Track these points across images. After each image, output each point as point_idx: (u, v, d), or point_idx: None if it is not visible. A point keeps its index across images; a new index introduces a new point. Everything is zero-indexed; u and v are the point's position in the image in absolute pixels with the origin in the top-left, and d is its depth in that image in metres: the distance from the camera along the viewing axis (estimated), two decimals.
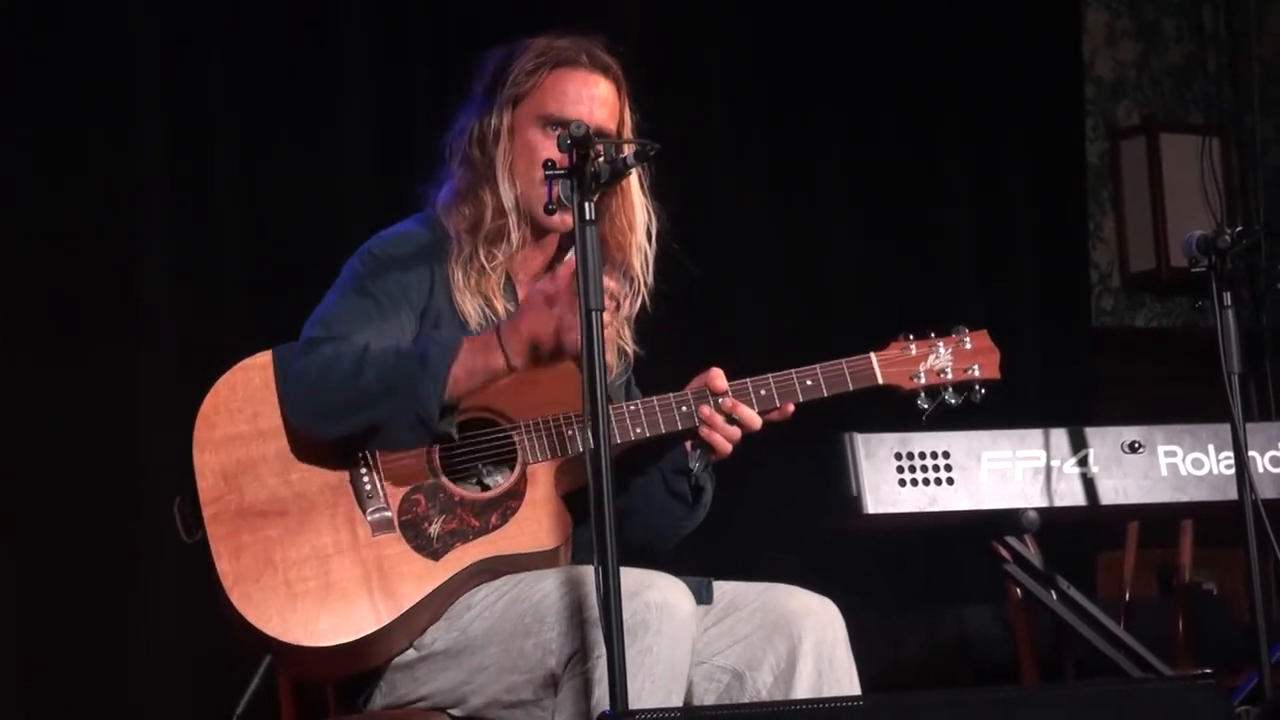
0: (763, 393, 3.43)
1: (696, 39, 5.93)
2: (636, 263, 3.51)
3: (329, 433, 3.31)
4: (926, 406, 3.55)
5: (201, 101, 5.07)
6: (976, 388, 3.53)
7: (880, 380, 3.49)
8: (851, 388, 3.46)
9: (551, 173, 3.17)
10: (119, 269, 4.91)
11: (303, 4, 5.23)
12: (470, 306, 3.44)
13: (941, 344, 3.53)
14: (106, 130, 4.93)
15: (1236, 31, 6.91)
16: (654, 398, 3.42)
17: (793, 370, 3.43)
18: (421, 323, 3.42)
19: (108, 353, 4.85)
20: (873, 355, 3.49)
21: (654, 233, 3.54)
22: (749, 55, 6.03)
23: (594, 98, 3.47)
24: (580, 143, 3.10)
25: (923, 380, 3.50)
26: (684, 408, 3.41)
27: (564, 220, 3.35)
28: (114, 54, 4.94)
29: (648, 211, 3.53)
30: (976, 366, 3.53)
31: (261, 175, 5.12)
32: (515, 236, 3.45)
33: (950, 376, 3.51)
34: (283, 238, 5.09)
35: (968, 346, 3.54)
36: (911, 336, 3.53)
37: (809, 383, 3.43)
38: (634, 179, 3.48)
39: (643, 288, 3.53)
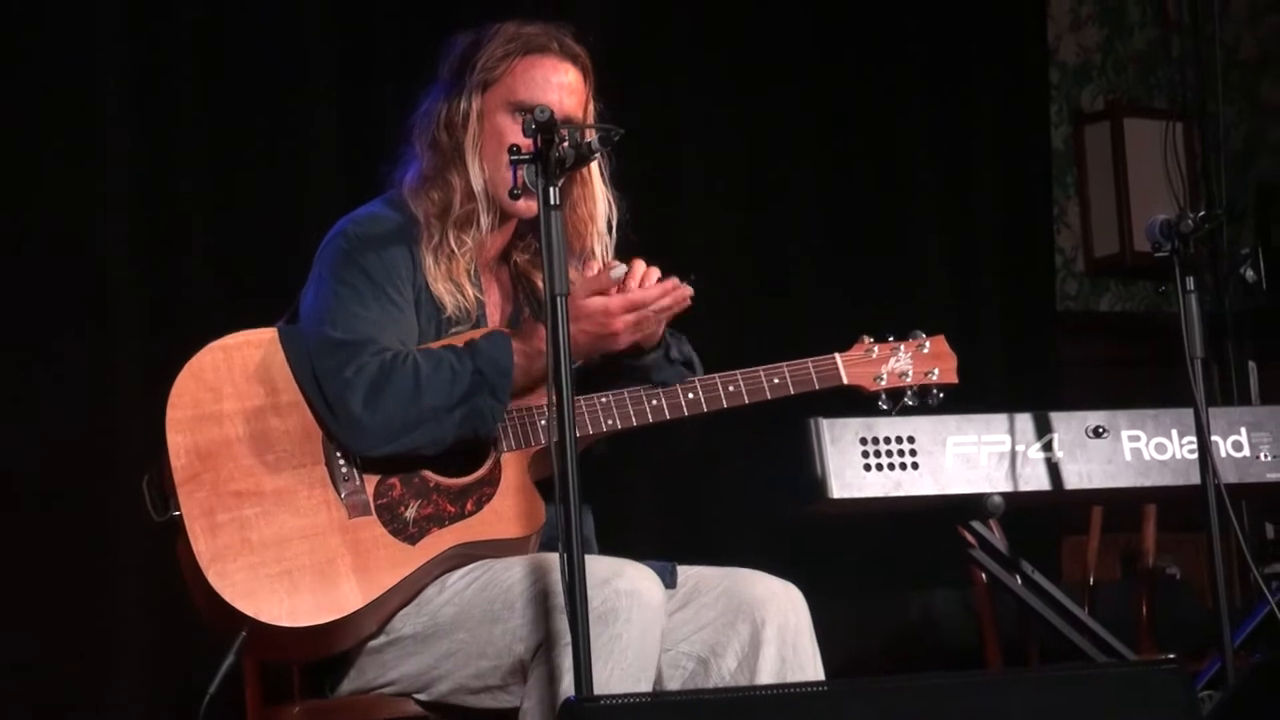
0: (731, 389, 3.47)
1: (662, 34, 5.91)
2: (597, 251, 3.52)
3: (382, 452, 3.31)
4: (886, 407, 3.64)
5: (167, 87, 5.04)
6: (935, 391, 3.62)
7: (845, 380, 3.57)
8: (818, 387, 3.54)
9: (516, 158, 3.18)
10: (84, 251, 4.88)
11: (267, 9, 5.20)
12: (443, 291, 3.43)
13: (902, 347, 3.61)
14: (70, 116, 4.90)
15: (1200, 17, 6.92)
16: (625, 390, 3.43)
17: (760, 368, 3.48)
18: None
19: (72, 336, 4.83)
20: (838, 356, 3.57)
21: (614, 223, 3.55)
22: (710, 34, 6.02)
23: (563, 85, 3.48)
24: (544, 128, 3.11)
25: (885, 382, 3.59)
26: (654, 400, 3.43)
27: (529, 206, 3.35)
28: (77, 44, 4.91)
29: (608, 201, 3.54)
30: (936, 371, 3.62)
31: (225, 158, 5.10)
32: (485, 221, 3.45)
33: (910, 380, 3.61)
34: (247, 220, 5.07)
35: (926, 351, 3.62)
36: (872, 339, 3.60)
37: (776, 381, 3.48)
38: (595, 169, 3.50)
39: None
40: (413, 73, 3.65)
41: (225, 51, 5.09)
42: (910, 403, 3.61)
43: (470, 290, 3.45)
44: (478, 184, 3.45)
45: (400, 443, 3.30)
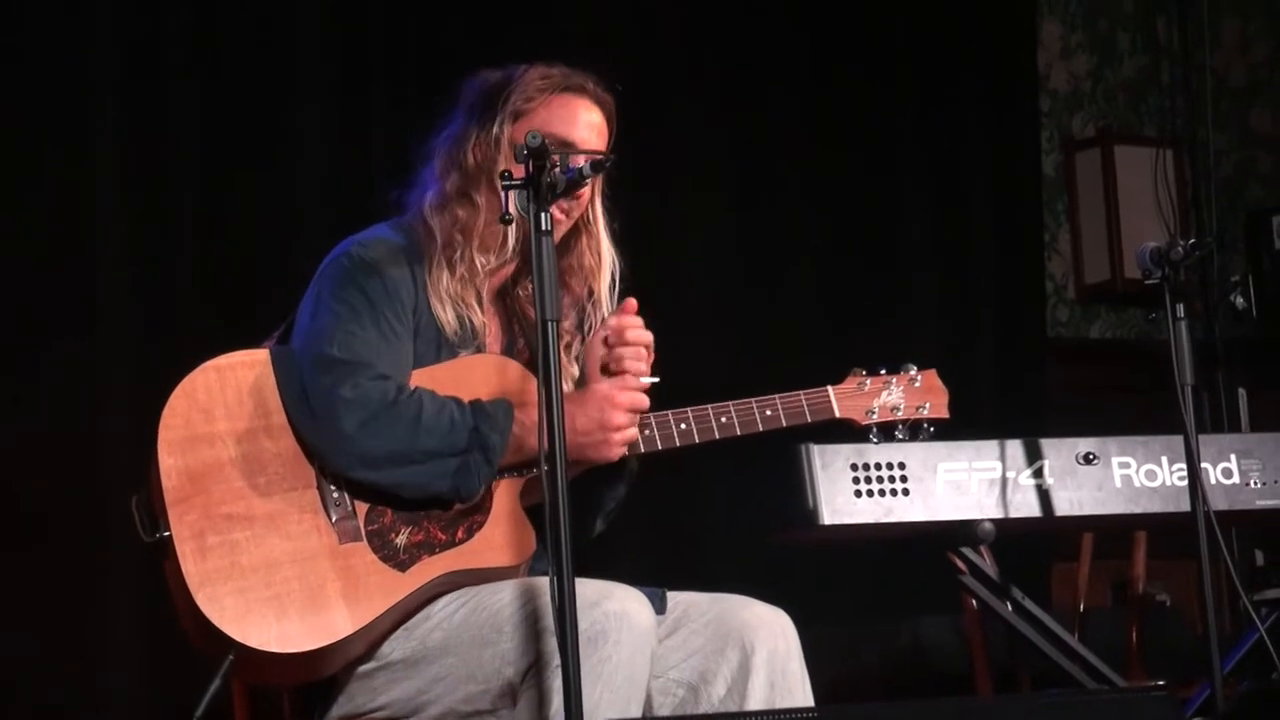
0: (723, 420, 3.47)
1: (658, 53, 5.93)
2: (603, 304, 3.54)
3: (361, 475, 3.31)
4: (876, 440, 3.65)
5: (159, 107, 5.05)
6: (926, 425, 3.63)
7: (837, 413, 3.58)
8: (809, 420, 3.54)
9: (508, 183, 3.18)
10: (76, 270, 4.89)
11: (261, 21, 5.20)
12: (448, 315, 3.43)
13: (894, 381, 3.61)
14: (64, 135, 4.90)
15: (1190, 44, 6.95)
16: None
17: (753, 400, 3.49)
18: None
19: (64, 355, 4.83)
20: (830, 389, 3.57)
21: (618, 277, 3.56)
22: (710, 67, 6.04)
23: (593, 125, 3.51)
24: (536, 153, 3.12)
25: (876, 416, 3.60)
26: (646, 431, 3.44)
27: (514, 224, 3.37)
28: (72, 63, 4.92)
29: (614, 256, 3.56)
30: (927, 405, 3.63)
31: (219, 182, 5.10)
32: (511, 244, 3.45)
33: (902, 414, 3.62)
34: (239, 241, 5.07)
35: (918, 385, 3.63)
36: (865, 372, 3.61)
37: (768, 413, 3.49)
38: (600, 222, 3.52)
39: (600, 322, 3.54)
40: (405, 92, 3.66)
41: (220, 60, 5.11)
42: (900, 436, 3.62)
43: (479, 313, 3.46)
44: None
45: (384, 473, 3.29)
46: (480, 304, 3.48)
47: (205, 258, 5.05)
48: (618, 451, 3.38)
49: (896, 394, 3.61)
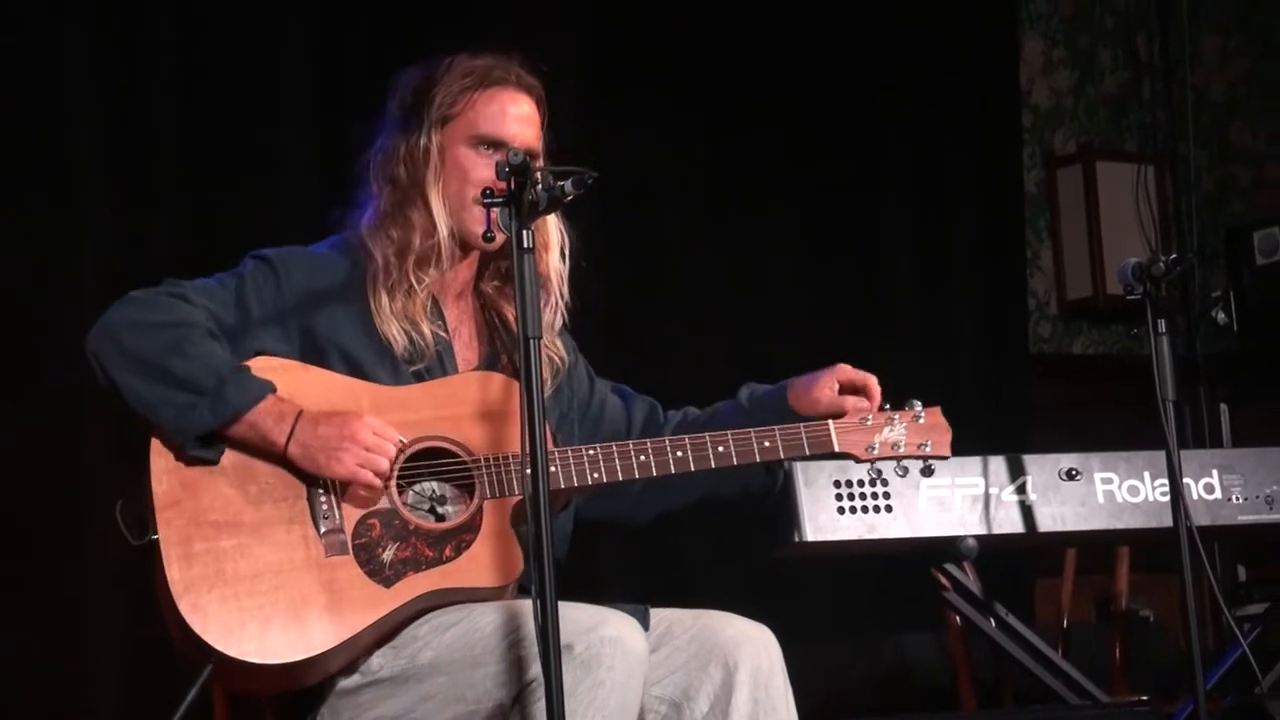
0: (720, 450, 3.44)
1: (643, 68, 5.94)
2: (553, 281, 3.51)
3: (106, 367, 3.29)
4: (873, 476, 3.62)
5: (144, 125, 5.05)
6: (926, 464, 3.55)
7: (837, 448, 3.51)
8: (808, 453, 3.49)
9: (490, 200, 3.17)
10: (60, 277, 4.88)
11: (246, 27, 5.21)
12: (395, 331, 3.42)
13: (897, 417, 3.54)
14: (48, 152, 4.90)
15: (1171, 60, 6.97)
16: (613, 444, 3.42)
17: (751, 430, 3.44)
18: (304, 349, 3.41)
19: (50, 361, 4.82)
20: (831, 424, 3.50)
21: (568, 251, 3.54)
22: (695, 83, 6.05)
23: (522, 117, 3.48)
24: (518, 170, 3.11)
25: (876, 452, 3.52)
26: (643, 457, 3.41)
27: (499, 240, 3.35)
28: (52, 79, 4.91)
29: (560, 231, 3.53)
30: (929, 443, 3.54)
31: (201, 197, 5.10)
32: (447, 257, 3.45)
33: (903, 450, 3.53)
34: (221, 254, 5.06)
35: (921, 422, 3.54)
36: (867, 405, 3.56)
37: (767, 444, 3.45)
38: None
39: (560, 303, 3.53)
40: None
41: (201, 84, 5.11)
42: (898, 474, 3.54)
43: (427, 328, 3.44)
44: (441, 220, 3.44)
45: (123, 369, 3.28)
46: (431, 315, 3.47)
47: (187, 270, 5.03)
48: (343, 469, 3.27)
49: (899, 430, 3.53)
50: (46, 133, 4.91)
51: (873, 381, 3.52)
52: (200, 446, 3.29)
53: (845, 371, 3.54)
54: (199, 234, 5.08)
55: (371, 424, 3.30)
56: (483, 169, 3.38)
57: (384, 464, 3.29)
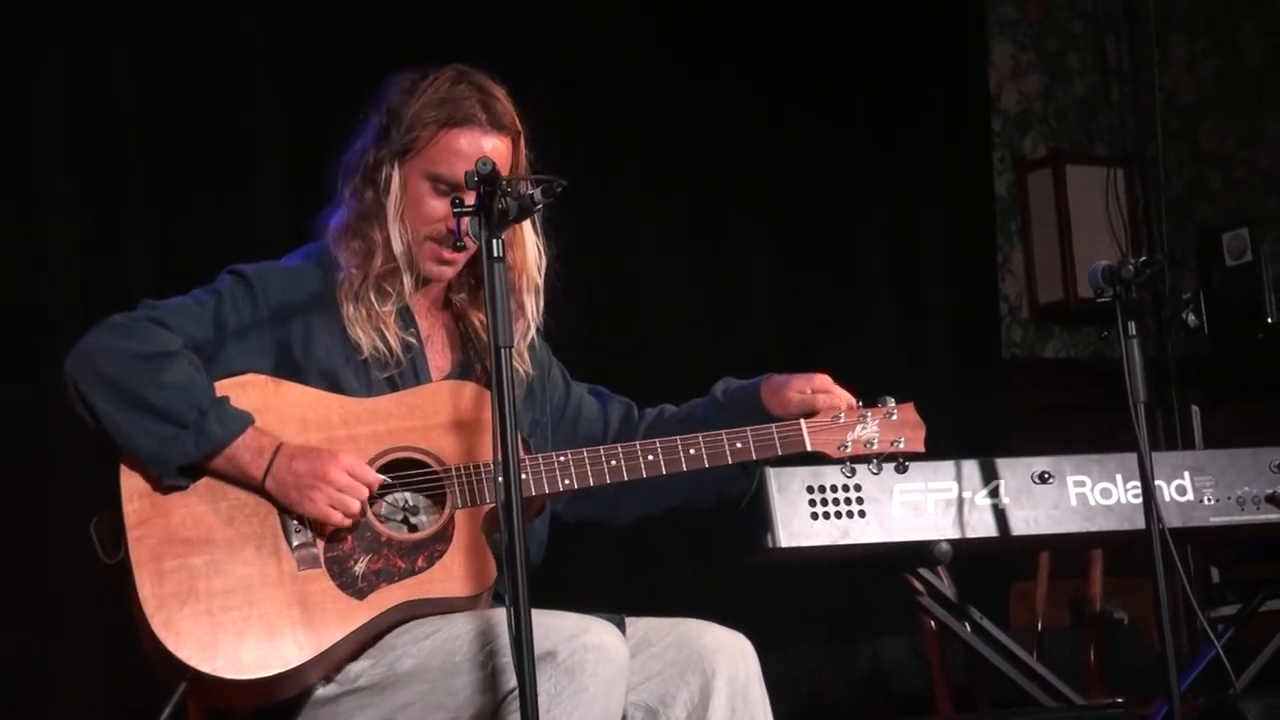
0: (691, 452, 3.43)
1: (616, 73, 5.95)
2: (529, 299, 3.51)
3: (84, 394, 3.28)
4: (847, 474, 3.60)
5: (114, 137, 5.04)
6: (900, 460, 3.54)
7: (809, 447, 3.50)
8: (780, 453, 3.48)
9: (460, 210, 3.18)
10: (29, 295, 4.88)
11: (217, 48, 5.21)
12: (364, 338, 3.42)
13: (869, 414, 3.53)
14: (14, 164, 4.89)
15: (1139, 64, 6.99)
16: (584, 449, 3.41)
17: (723, 431, 3.44)
18: (280, 364, 3.40)
19: (19, 379, 4.81)
20: (803, 422, 3.49)
21: (543, 269, 3.53)
22: (666, 82, 6.06)
23: (484, 154, 3.41)
24: (487, 179, 3.11)
25: (849, 450, 3.51)
26: (613, 461, 3.40)
27: (441, 274, 3.42)
28: (19, 88, 4.91)
29: (538, 249, 3.53)
30: (903, 440, 3.53)
31: (171, 212, 5.10)
32: (407, 283, 3.45)
33: (876, 447, 3.52)
34: (191, 270, 5.05)
35: (894, 419, 3.53)
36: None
37: (738, 445, 3.44)
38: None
39: (533, 321, 3.52)
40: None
41: (169, 113, 5.11)
42: (873, 471, 3.53)
43: (393, 337, 3.43)
44: (399, 247, 3.44)
45: (103, 399, 3.26)
46: (408, 322, 3.46)
47: (158, 282, 5.02)
48: (314, 508, 3.27)
49: (872, 428, 3.51)
50: (13, 145, 4.90)
51: (847, 402, 3.52)
52: (178, 476, 3.29)
53: (824, 381, 3.53)
54: (168, 247, 5.07)
55: (346, 463, 3.30)
56: (437, 210, 3.39)
57: (355, 505, 3.29)
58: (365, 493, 3.30)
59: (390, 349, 3.42)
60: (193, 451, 3.27)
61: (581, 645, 3.18)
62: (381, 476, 3.33)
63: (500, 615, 3.24)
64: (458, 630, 3.27)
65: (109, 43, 5.07)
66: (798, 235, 6.25)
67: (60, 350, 4.77)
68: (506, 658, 3.18)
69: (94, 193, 5.01)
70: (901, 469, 3.54)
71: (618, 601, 3.53)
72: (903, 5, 6.54)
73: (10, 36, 4.91)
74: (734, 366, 5.85)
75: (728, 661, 3.36)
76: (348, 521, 3.29)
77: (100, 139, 5.04)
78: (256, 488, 3.30)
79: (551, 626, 3.15)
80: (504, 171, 3.39)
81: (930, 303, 6.53)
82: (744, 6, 6.22)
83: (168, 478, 3.29)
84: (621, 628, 3.37)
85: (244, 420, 3.30)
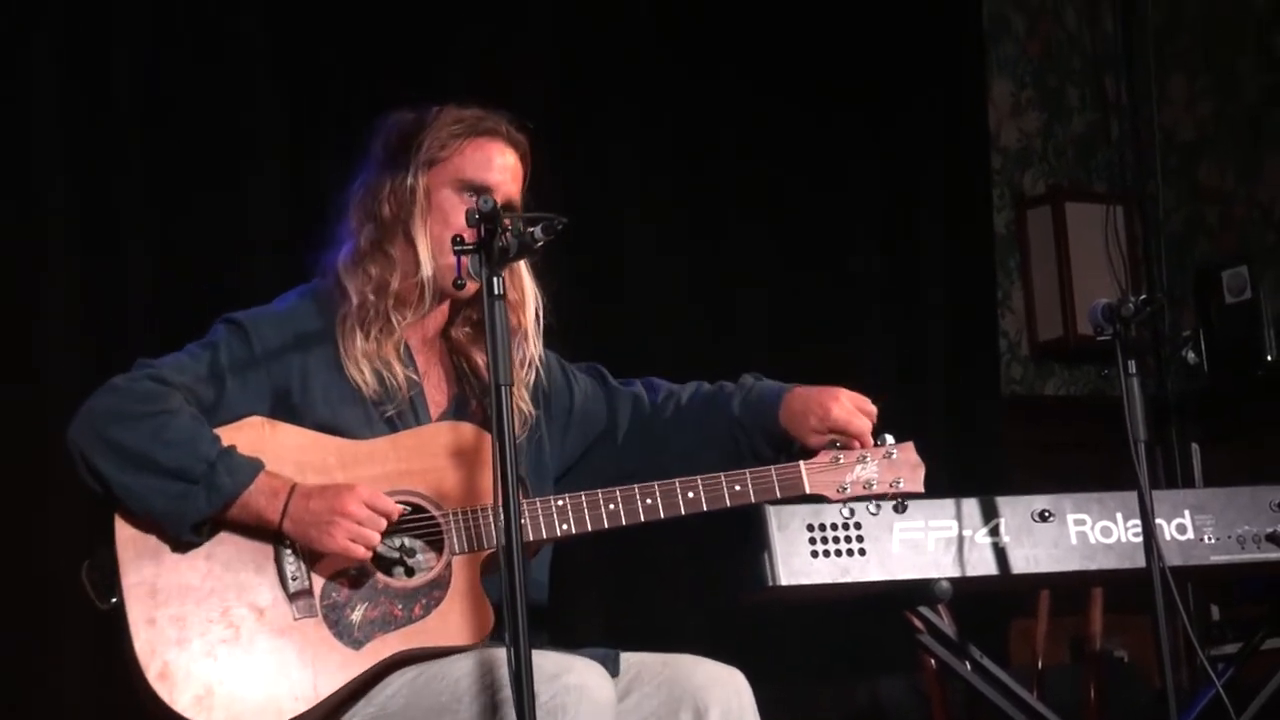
0: (690, 495, 3.43)
1: (616, 73, 5.95)
2: (531, 337, 3.51)
3: (91, 462, 3.27)
4: (847, 514, 3.63)
5: (113, 137, 5.04)
6: (900, 501, 3.55)
7: (808, 489, 3.51)
8: (779, 495, 3.49)
9: (460, 248, 3.19)
10: (28, 295, 4.87)
11: (216, 48, 5.21)
12: (366, 374, 3.41)
13: (869, 455, 3.53)
14: (14, 164, 4.89)
15: (1138, 100, 6.99)
16: (582, 494, 3.41)
17: (721, 474, 3.44)
18: (278, 408, 3.39)
19: (19, 379, 4.80)
20: (802, 464, 3.50)
21: (540, 311, 3.54)
22: (666, 82, 6.06)
23: (507, 168, 3.50)
24: (488, 217, 3.12)
25: (849, 492, 3.52)
26: (611, 506, 3.40)
27: (470, 288, 3.39)
28: (19, 88, 4.91)
29: (536, 295, 3.54)
30: (902, 480, 3.54)
31: (170, 212, 5.09)
32: (428, 299, 3.45)
33: (875, 488, 3.53)
34: (190, 292, 5.05)
35: (894, 458, 3.55)
36: (840, 444, 3.54)
37: (737, 488, 3.45)
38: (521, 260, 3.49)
39: (534, 358, 3.53)
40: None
41: (169, 128, 5.11)
42: (871, 511, 3.55)
43: (400, 369, 3.43)
44: (425, 263, 3.44)
45: (113, 466, 3.25)
46: (406, 359, 3.46)
47: (155, 310, 5.02)
48: (335, 544, 3.25)
49: (871, 469, 3.52)
50: (13, 144, 4.89)
51: (865, 432, 3.51)
52: (193, 533, 3.28)
53: (841, 414, 3.51)
54: (168, 247, 5.06)
55: (363, 495, 3.28)
56: (464, 213, 3.40)
57: (375, 538, 3.28)
58: (384, 524, 3.29)
59: (397, 383, 3.41)
60: (205, 507, 3.26)
61: (563, 686, 3.17)
62: (400, 506, 3.31)
63: (494, 655, 3.23)
64: (449, 671, 3.27)
65: (108, 43, 5.07)
66: (794, 271, 6.24)
67: (60, 350, 4.84)
68: (496, 698, 3.17)
69: (93, 193, 5.00)
70: (901, 509, 3.54)
71: (616, 637, 3.51)
72: (903, 8, 6.53)
73: (10, 36, 4.91)
74: (733, 366, 5.87)
75: (722, 697, 3.35)
76: (368, 555, 3.27)
77: (100, 139, 5.04)
78: (272, 531, 3.29)
79: (532, 666, 3.12)
80: (519, 189, 3.48)
81: (929, 340, 6.52)
82: (744, 7, 6.22)
83: (183, 535, 3.27)
84: (616, 663, 3.36)
85: (254, 467, 3.28)
